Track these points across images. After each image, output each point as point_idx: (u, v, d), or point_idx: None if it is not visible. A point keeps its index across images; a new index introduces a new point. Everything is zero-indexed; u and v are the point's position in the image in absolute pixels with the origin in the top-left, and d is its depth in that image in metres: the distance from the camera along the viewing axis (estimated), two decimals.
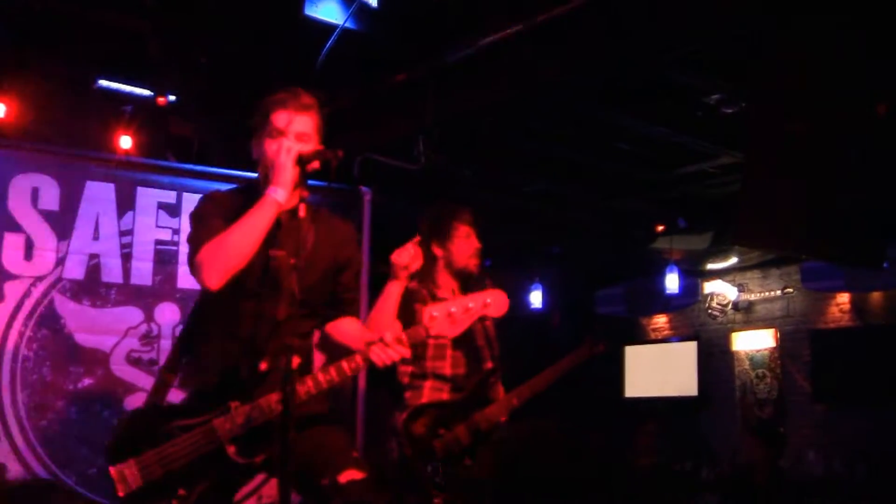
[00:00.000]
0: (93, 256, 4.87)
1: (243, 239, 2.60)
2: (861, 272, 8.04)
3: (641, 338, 10.79)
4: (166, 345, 4.90)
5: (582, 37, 4.65)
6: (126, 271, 4.93)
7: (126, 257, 4.94)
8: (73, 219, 4.84)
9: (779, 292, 9.55)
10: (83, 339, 4.79)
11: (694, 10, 4.24)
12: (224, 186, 3.12)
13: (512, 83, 4.90)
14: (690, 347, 10.12)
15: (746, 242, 6.26)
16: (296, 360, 2.34)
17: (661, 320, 10.70)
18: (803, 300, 9.32)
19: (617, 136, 6.45)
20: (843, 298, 9.01)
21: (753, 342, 9.64)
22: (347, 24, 4.77)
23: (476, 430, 3.77)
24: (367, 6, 4.80)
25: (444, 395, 3.85)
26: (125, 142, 5.62)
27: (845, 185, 4.34)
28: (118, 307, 4.91)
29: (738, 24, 4.17)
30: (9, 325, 4.64)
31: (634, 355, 10.57)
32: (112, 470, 2.58)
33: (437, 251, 3.93)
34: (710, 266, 9.78)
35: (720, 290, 10.00)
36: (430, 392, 3.82)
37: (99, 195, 4.91)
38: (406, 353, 2.70)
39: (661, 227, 8.50)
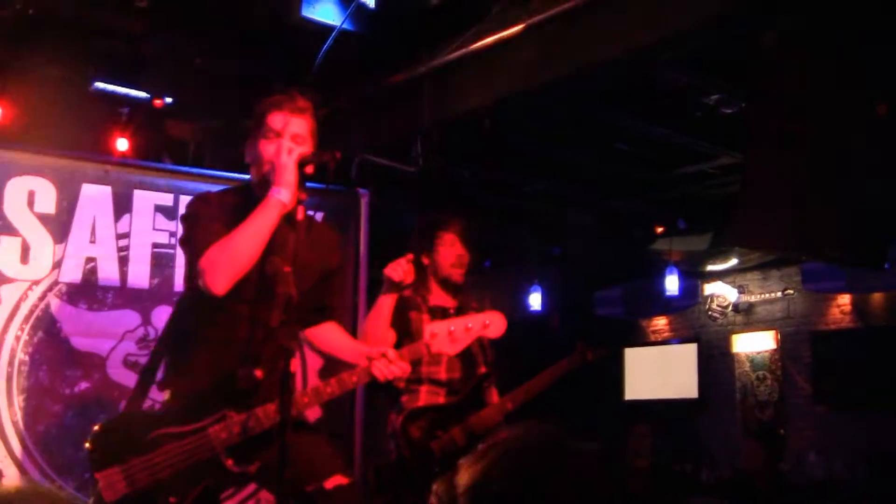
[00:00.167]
0: (89, 259, 4.83)
1: (249, 242, 2.56)
2: (862, 273, 8.00)
3: (641, 340, 10.76)
4: None
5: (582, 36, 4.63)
6: (123, 274, 4.89)
7: (123, 260, 4.90)
8: (69, 222, 4.79)
9: (779, 294, 9.52)
10: (80, 342, 4.75)
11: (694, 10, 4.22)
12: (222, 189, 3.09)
13: (512, 83, 4.88)
14: (690, 349, 10.09)
15: (746, 243, 6.23)
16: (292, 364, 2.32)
17: (660, 322, 10.67)
18: (804, 301, 9.28)
19: (616, 136, 6.43)
20: (844, 300, 8.97)
21: (754, 344, 9.61)
22: (345, 26, 4.76)
23: (471, 432, 3.82)
24: (365, 7, 4.78)
25: (440, 399, 3.92)
26: (122, 144, 5.59)
27: (846, 185, 4.31)
28: (115, 310, 4.87)
29: (738, 24, 4.15)
30: (5, 329, 4.60)
31: (634, 357, 10.55)
32: (99, 476, 2.54)
33: (425, 260, 4.00)
34: (710, 267, 9.75)
35: (720, 292, 9.97)
36: (427, 396, 3.90)
37: (95, 198, 4.86)
38: (407, 369, 2.79)
39: (660, 229, 8.48)
